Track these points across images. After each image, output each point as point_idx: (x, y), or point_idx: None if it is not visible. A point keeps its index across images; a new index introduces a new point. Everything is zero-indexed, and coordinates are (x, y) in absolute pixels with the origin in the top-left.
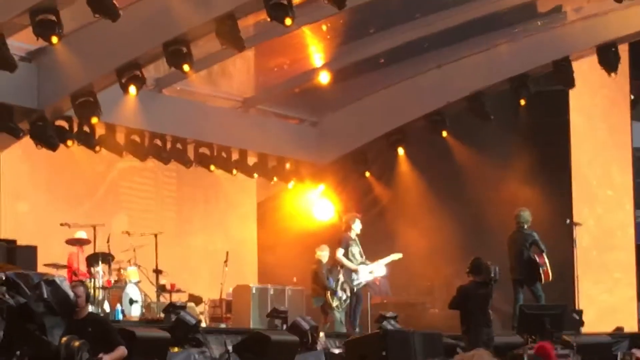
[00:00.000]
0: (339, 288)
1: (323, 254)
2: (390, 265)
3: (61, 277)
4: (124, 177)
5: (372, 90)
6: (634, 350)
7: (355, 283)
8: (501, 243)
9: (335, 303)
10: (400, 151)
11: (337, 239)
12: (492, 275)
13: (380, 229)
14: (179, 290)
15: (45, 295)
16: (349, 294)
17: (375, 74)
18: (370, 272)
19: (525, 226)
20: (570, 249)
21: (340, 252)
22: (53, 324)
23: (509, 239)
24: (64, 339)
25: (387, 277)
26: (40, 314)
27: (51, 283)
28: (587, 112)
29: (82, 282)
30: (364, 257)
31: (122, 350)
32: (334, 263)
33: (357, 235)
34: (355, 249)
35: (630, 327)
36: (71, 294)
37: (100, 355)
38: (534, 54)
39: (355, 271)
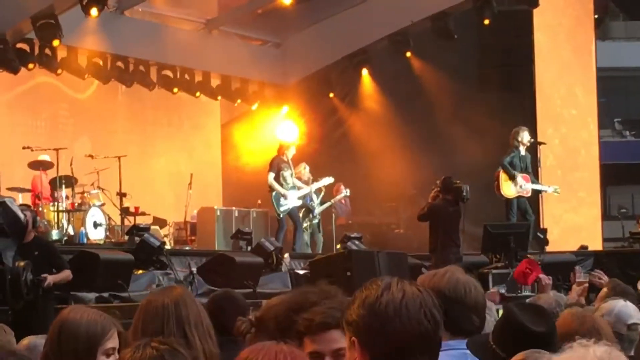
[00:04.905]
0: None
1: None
2: (353, 187)
3: (10, 198)
4: (86, 100)
5: (336, 11)
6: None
7: (282, 209)
8: (464, 163)
9: (304, 224)
10: (364, 72)
11: (269, 161)
12: (464, 194)
13: (344, 149)
14: (143, 213)
15: None
16: (315, 215)
17: None
18: (299, 198)
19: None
20: (534, 169)
21: (271, 176)
22: (4, 245)
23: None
24: None
25: (351, 197)
26: None
27: (1, 204)
28: (552, 32)
29: (29, 207)
30: (295, 181)
31: (66, 273)
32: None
33: (289, 159)
34: (287, 173)
35: (594, 245)
36: (22, 215)
37: (44, 275)
38: None
39: (284, 196)
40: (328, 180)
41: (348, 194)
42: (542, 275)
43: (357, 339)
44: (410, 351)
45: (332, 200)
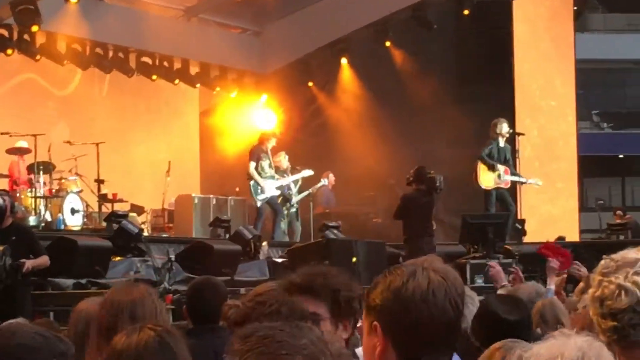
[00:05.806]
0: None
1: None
2: (333, 176)
3: None
4: (65, 86)
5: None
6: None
7: (260, 197)
8: (443, 153)
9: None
10: (344, 61)
11: (249, 150)
12: (437, 184)
13: (323, 139)
14: (120, 200)
15: None
16: (293, 204)
17: None
18: (277, 188)
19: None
20: (513, 160)
21: (252, 165)
22: None
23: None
24: None
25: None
26: None
27: None
28: (531, 23)
29: (7, 192)
30: (273, 170)
31: (44, 259)
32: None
33: (269, 149)
34: (266, 163)
35: (571, 237)
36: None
37: (23, 260)
38: None
39: (263, 186)
40: (307, 172)
41: (325, 183)
42: (552, 259)
43: (380, 324)
44: (432, 339)
45: (310, 190)
